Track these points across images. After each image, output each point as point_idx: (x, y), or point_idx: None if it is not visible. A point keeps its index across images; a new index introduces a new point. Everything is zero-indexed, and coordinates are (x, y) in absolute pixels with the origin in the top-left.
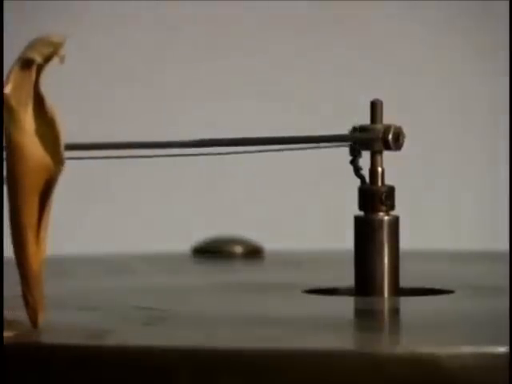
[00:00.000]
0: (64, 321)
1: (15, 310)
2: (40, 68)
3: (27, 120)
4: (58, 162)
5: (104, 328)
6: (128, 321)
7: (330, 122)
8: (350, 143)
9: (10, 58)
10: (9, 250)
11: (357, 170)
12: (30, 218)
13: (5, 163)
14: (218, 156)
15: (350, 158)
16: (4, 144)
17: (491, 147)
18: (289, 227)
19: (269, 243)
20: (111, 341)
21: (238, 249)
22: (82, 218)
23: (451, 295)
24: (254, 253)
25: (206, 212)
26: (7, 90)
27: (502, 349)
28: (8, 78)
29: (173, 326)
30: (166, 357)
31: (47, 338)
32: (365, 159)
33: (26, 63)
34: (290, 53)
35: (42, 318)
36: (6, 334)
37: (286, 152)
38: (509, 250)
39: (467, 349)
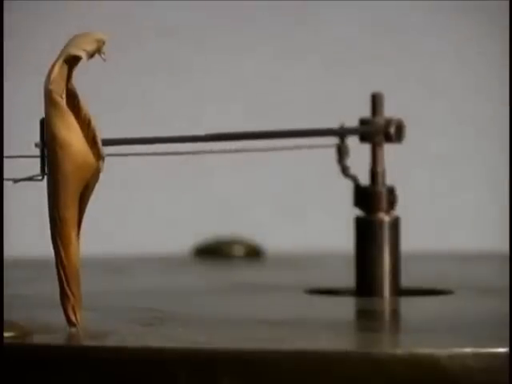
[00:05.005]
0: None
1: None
2: (73, 64)
3: (70, 116)
4: (99, 158)
5: (104, 328)
6: (128, 321)
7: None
8: (337, 143)
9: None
10: (8, 250)
11: (344, 170)
12: (74, 217)
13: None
14: (218, 156)
15: (348, 158)
16: (45, 140)
17: (492, 146)
18: (289, 227)
19: (269, 244)
20: (111, 341)
21: (239, 249)
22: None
23: (451, 295)
24: (254, 253)
25: (206, 212)
26: (51, 85)
27: (502, 349)
28: (51, 73)
29: (173, 326)
30: (165, 357)
31: (47, 338)
32: (364, 157)
33: (69, 60)
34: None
35: (80, 318)
36: (6, 334)
37: (286, 152)
38: (509, 250)
39: (467, 349)
